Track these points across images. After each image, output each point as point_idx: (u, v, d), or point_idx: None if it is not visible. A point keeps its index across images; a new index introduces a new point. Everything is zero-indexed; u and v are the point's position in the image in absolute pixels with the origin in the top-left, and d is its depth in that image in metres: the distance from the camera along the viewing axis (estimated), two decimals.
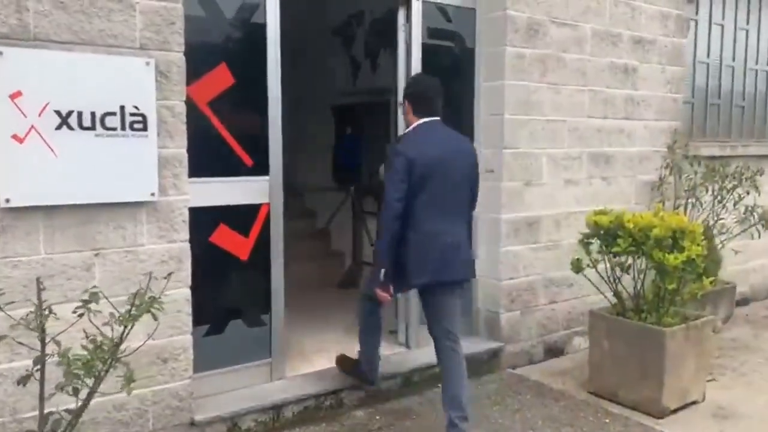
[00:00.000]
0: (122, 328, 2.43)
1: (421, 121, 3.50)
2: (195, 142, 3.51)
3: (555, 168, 4.92)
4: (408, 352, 4.58)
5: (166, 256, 3.37)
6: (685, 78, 5.86)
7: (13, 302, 2.56)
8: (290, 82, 4.70)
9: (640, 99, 5.43)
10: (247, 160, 3.80)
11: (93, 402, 2.53)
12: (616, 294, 4.36)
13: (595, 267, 4.38)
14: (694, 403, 4.22)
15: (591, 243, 4.41)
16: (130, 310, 2.46)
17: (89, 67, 3.08)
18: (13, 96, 2.90)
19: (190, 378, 3.48)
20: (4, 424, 3.00)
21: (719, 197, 5.62)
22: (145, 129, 3.22)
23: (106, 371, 2.39)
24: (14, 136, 2.91)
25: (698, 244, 4.00)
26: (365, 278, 3.90)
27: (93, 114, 3.09)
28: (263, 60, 3.82)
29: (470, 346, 4.67)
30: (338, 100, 6.42)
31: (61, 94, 3.01)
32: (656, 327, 4.07)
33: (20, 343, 2.46)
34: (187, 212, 3.42)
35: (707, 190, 5.62)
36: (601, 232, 4.26)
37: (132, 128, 3.19)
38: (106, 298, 2.49)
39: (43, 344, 2.46)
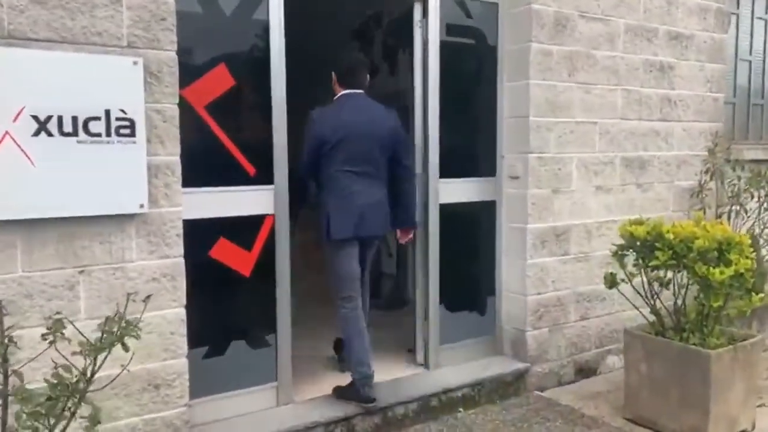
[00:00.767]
0: (91, 359, 2.12)
1: (344, 92, 3.76)
2: (191, 149, 3.21)
3: (585, 174, 4.53)
4: (427, 373, 4.21)
5: (158, 273, 3.06)
6: (725, 76, 5.41)
7: None
8: (301, 86, 4.42)
9: (677, 99, 5.01)
10: (249, 169, 3.49)
11: None
12: (654, 311, 3.95)
13: (630, 282, 3.98)
14: None
15: (626, 255, 4.02)
16: (100, 339, 2.15)
17: (70, 67, 2.79)
18: None
19: (186, 405, 3.17)
20: None
21: (766, 204, 5.17)
22: (132, 135, 2.93)
23: (72, 411, 2.08)
24: None
25: (747, 257, 3.58)
26: (332, 286, 3.81)
27: (75, 119, 2.80)
28: (266, 60, 3.51)
29: (494, 366, 4.31)
30: None
31: (39, 97, 2.72)
32: (700, 349, 3.66)
33: None
34: (180, 225, 3.11)
35: (752, 197, 5.17)
36: (638, 243, 3.86)
37: (118, 134, 2.90)
38: (75, 327, 2.19)
39: (6, 377, 2.17)
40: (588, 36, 4.46)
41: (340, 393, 3.79)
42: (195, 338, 3.30)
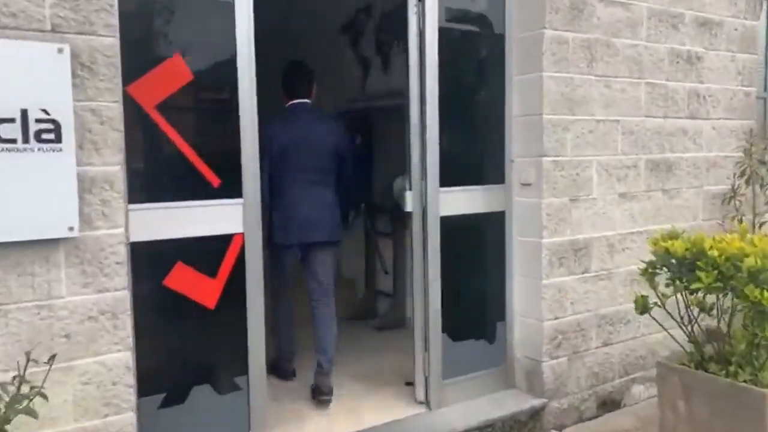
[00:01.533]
0: None
1: (289, 103, 3.89)
2: (138, 158, 2.64)
3: (607, 179, 3.94)
4: (428, 414, 3.60)
5: (95, 310, 2.47)
6: (757, 68, 4.83)
7: None
8: (278, 81, 3.86)
9: (706, 93, 4.42)
10: (213, 180, 2.89)
11: None
12: (693, 339, 3.35)
13: (663, 305, 3.39)
14: None
15: (657, 274, 3.42)
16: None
17: None
18: None
19: None
20: None
21: None
22: (58, 140, 2.33)
23: None
24: None
25: None
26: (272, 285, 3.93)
27: None
28: (232, 50, 2.92)
29: (506, 403, 3.70)
30: (346, 105, 5.52)
31: None
32: (752, 387, 3.06)
33: None
34: (123, 250, 2.52)
35: None
36: (673, 261, 3.26)
37: (39, 139, 2.30)
38: None
39: None
40: (607, 22, 3.87)
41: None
42: (148, 385, 2.72)
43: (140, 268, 2.70)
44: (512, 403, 3.70)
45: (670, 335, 3.52)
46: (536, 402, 3.73)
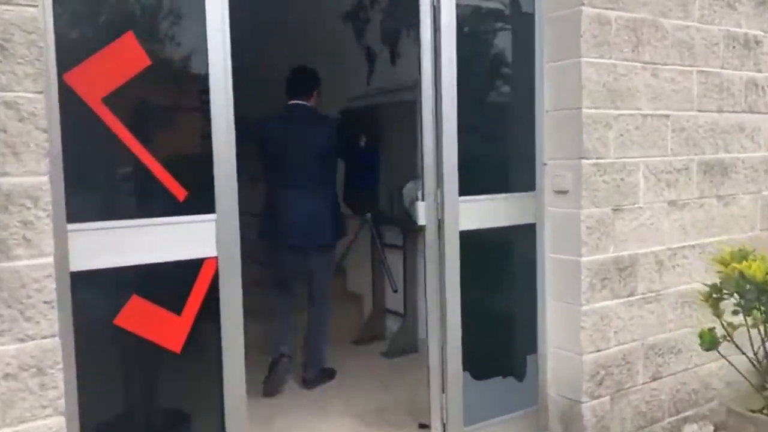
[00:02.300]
0: None
1: (288, 103, 3.77)
2: (81, 164, 2.04)
3: (655, 185, 3.31)
4: None
5: (14, 365, 1.87)
6: None
7: None
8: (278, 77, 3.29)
9: (765, 84, 3.78)
10: (178, 191, 2.28)
11: None
12: None
13: (731, 338, 2.78)
14: None
15: (724, 299, 2.81)
16: None
17: None
18: None
19: None
20: None
21: None
22: None
23: None
24: None
25: None
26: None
27: None
28: (200, 27, 2.32)
29: None
30: (349, 102, 4.91)
31: None
32: None
33: None
34: (53, 285, 1.92)
35: None
36: (749, 287, 2.64)
37: None
38: None
39: None
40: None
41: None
42: None
43: (84, 305, 2.11)
44: None
45: (737, 370, 2.92)
46: None
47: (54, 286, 1.92)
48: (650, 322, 3.33)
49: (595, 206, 3.09)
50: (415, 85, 3.06)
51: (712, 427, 3.49)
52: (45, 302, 1.90)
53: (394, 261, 4.58)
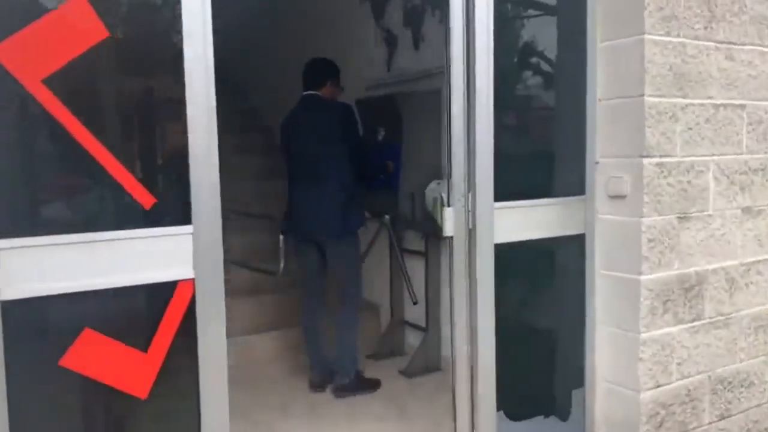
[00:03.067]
0: None
1: (302, 94, 3.63)
2: (10, 162, 1.57)
3: (727, 188, 2.76)
4: None
5: None
6: None
7: None
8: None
9: None
10: (143, 197, 1.80)
11: None
12: None
13: None
14: None
15: None
16: None
17: None
18: None
19: None
20: None
21: None
22: None
23: None
24: None
25: None
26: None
27: None
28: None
29: None
30: (366, 91, 4.40)
31: None
32: None
33: None
34: None
35: None
36: None
37: None
38: None
39: None
40: None
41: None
42: None
43: (19, 343, 1.64)
44: None
45: None
46: None
47: None
48: (719, 351, 2.79)
49: (658, 214, 2.55)
50: (442, 72, 2.54)
51: None
52: None
53: (415, 268, 4.08)
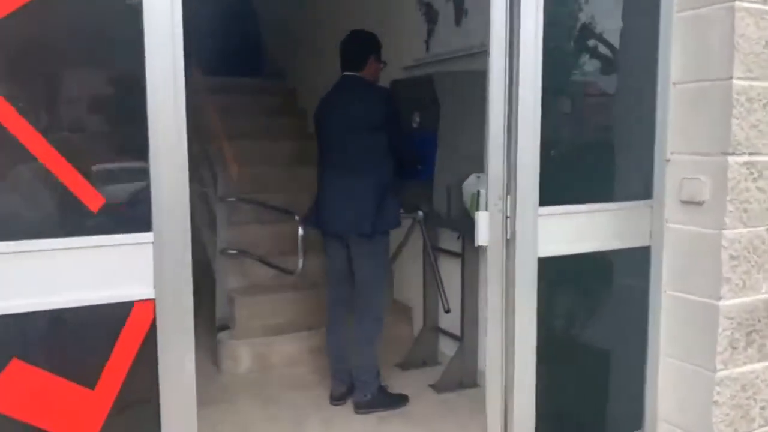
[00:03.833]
0: None
1: (341, 75, 3.24)
2: None
3: None
4: None
5: None
6: None
7: None
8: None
9: None
10: (89, 197, 1.43)
11: None
12: None
13: None
14: None
15: None
16: None
17: None
18: None
19: None
20: None
21: None
22: None
23: None
24: None
25: None
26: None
27: None
28: None
29: None
30: (402, 72, 3.96)
31: None
32: None
33: None
34: None
35: None
36: None
37: None
38: None
39: None
40: None
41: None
42: None
43: None
44: None
45: None
46: None
47: None
48: None
49: (745, 225, 2.06)
50: (486, 51, 2.10)
51: None
52: None
53: (451, 271, 3.65)
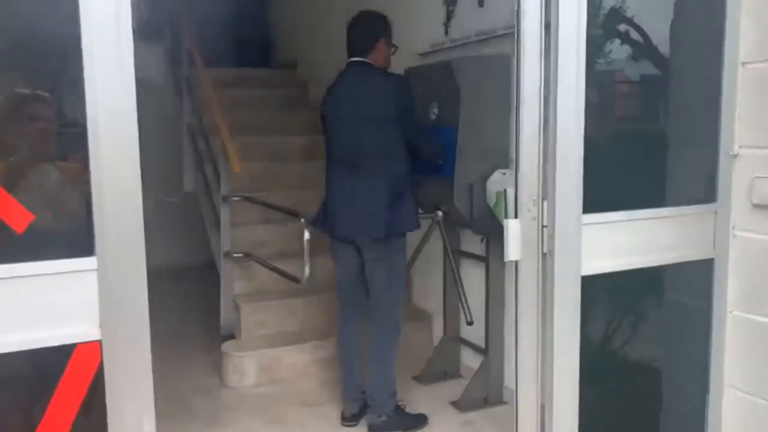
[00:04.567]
0: None
1: (347, 61, 2.92)
2: None
3: None
4: None
5: None
6: None
7: None
8: None
9: None
10: (14, 215, 1.13)
11: None
12: None
13: None
14: None
15: None
16: None
17: None
18: None
19: None
20: None
21: None
22: None
23: None
24: None
25: None
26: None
27: None
28: None
29: None
30: (419, 58, 3.59)
31: None
32: None
33: None
34: None
35: None
36: None
37: None
38: None
39: None
40: None
41: None
42: None
43: None
44: None
45: None
46: None
47: None
48: None
49: None
50: (512, 32, 1.74)
51: None
52: None
53: (474, 276, 3.31)
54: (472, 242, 3.36)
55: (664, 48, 1.95)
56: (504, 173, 2.86)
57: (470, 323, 3.05)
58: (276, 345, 3.48)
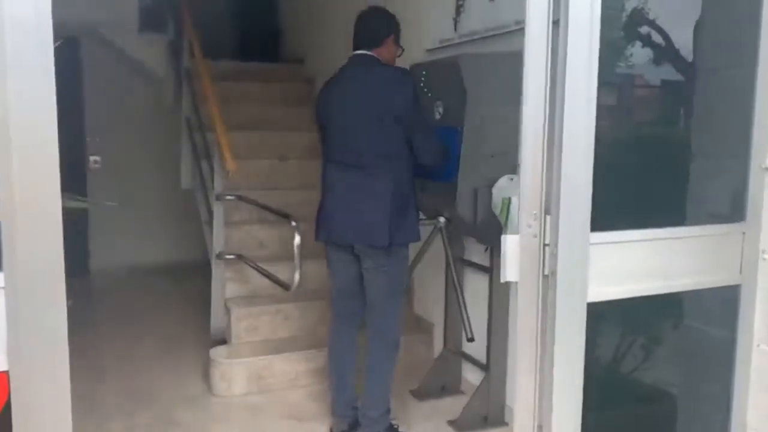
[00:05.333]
0: None
1: (350, 55, 2.75)
2: None
3: None
4: None
5: None
6: None
7: None
8: None
9: None
10: None
11: None
12: None
13: None
14: None
15: None
16: None
17: None
18: None
19: None
20: None
21: None
22: None
23: None
24: None
25: None
26: None
27: None
28: None
29: None
30: (425, 54, 3.39)
31: None
32: None
33: None
34: None
35: None
36: None
37: None
38: None
39: None
40: None
41: None
42: None
43: None
44: None
45: None
46: None
47: None
48: None
49: None
50: (523, 28, 1.54)
51: None
52: None
53: (477, 286, 3.10)
54: (476, 251, 3.15)
55: (687, 48, 1.74)
56: (511, 179, 2.64)
57: (471, 340, 2.84)
58: (267, 352, 3.29)
